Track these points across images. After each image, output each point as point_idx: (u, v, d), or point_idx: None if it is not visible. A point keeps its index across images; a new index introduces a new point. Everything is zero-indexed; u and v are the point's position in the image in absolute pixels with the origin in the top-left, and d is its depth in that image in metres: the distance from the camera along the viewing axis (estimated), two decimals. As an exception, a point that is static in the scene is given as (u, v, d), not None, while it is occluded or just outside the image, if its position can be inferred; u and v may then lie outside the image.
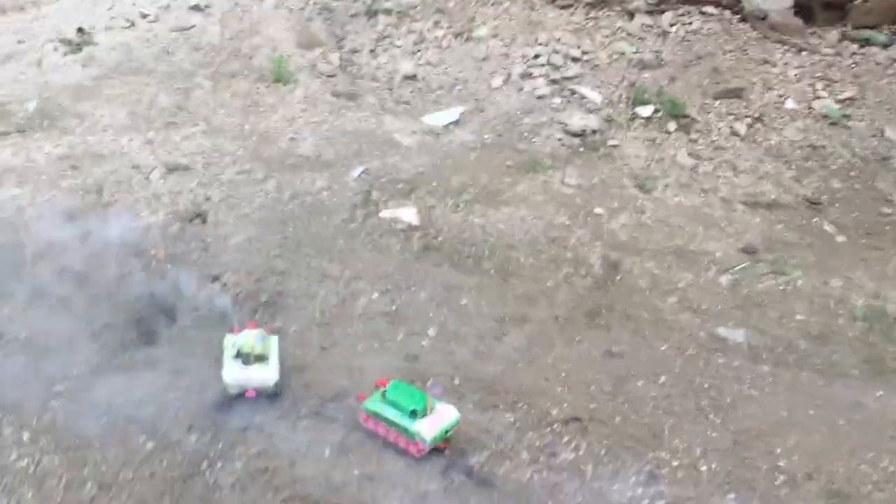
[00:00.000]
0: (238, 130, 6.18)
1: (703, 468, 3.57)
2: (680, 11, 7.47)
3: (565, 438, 3.68)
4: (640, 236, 5.23)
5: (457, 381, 3.92)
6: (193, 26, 7.61)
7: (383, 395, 3.55)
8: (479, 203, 5.45)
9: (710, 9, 7.44)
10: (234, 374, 3.65)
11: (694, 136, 6.37)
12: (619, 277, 4.79)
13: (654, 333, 4.34)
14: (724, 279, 4.85)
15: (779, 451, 3.67)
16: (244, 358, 3.69)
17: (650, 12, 7.51)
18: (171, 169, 5.48)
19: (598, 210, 5.51)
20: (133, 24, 7.65)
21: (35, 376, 3.77)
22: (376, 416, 3.52)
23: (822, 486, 3.49)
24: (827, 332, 4.44)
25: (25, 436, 3.49)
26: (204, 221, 4.93)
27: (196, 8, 7.75)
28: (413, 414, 3.45)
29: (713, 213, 5.60)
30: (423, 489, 3.37)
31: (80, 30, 7.50)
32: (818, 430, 3.77)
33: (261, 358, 3.70)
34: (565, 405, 3.85)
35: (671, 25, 7.32)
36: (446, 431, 3.49)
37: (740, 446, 3.68)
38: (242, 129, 6.22)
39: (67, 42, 7.33)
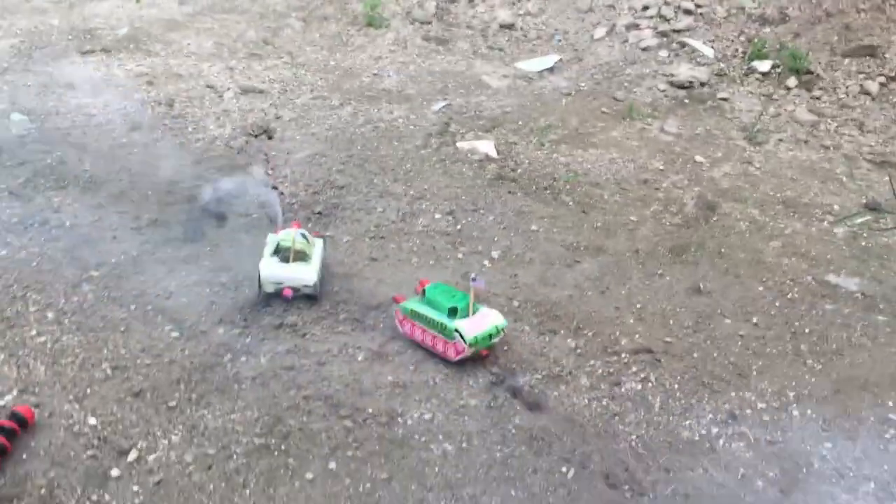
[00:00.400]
0: (321, 65, 5.95)
1: (796, 413, 3.02)
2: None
3: (633, 369, 3.19)
4: (745, 185, 4.67)
5: (516, 303, 3.49)
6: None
7: (422, 294, 3.16)
8: (566, 143, 5.01)
9: (844, -34, 6.74)
10: (271, 270, 3.34)
11: (817, 93, 5.73)
12: (714, 219, 4.25)
13: (750, 274, 3.79)
14: (840, 230, 4.24)
15: (890, 403, 3.07)
16: (283, 254, 3.37)
17: (776, -30, 6.87)
18: (246, 91, 5.28)
19: (698, 158, 4.97)
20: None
21: (70, 262, 3.56)
22: (413, 317, 3.13)
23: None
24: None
25: (49, 314, 3.26)
26: (270, 137, 4.68)
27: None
28: (453, 312, 3.04)
29: (833, 168, 4.97)
30: (460, 403, 2.95)
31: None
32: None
33: (301, 255, 3.38)
34: (637, 336, 3.36)
35: (799, -19, 6.66)
36: (489, 336, 3.06)
37: (843, 395, 3.11)
38: (326, 63, 5.99)
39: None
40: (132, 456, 2.65)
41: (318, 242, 3.51)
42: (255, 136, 4.63)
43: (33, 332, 3.15)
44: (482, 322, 3.05)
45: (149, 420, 2.79)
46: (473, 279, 3.08)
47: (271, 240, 3.47)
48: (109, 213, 3.90)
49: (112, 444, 2.68)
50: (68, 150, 4.38)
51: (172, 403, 2.86)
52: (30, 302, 3.31)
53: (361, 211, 4.03)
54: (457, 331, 3.00)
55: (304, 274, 3.32)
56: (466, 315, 3.05)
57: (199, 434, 2.75)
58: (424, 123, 5.01)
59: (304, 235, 3.43)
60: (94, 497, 2.50)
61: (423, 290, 3.16)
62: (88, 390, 2.89)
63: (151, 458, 2.65)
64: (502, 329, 3.09)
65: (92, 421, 2.76)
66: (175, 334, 3.19)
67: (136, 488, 2.54)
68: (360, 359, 3.11)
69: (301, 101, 5.19)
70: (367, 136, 4.75)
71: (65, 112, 4.79)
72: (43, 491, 2.50)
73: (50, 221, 3.82)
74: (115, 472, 2.59)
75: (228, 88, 5.23)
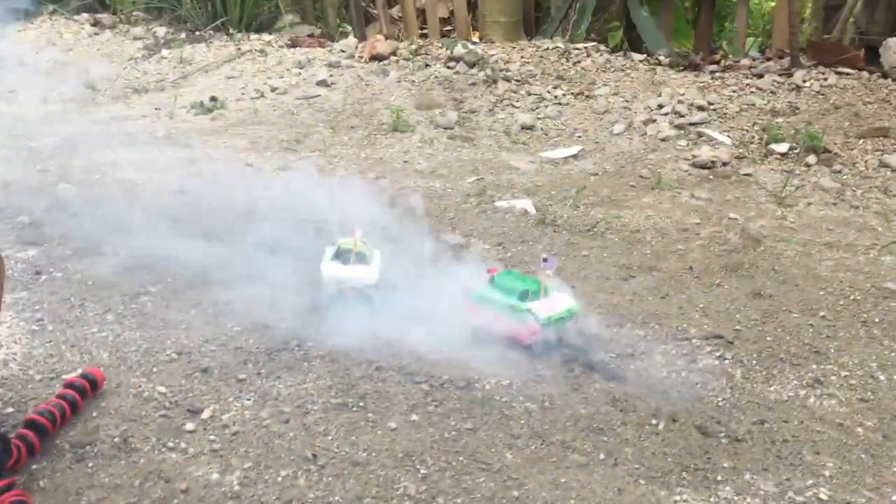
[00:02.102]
0: (353, 157, 6.16)
1: (883, 378, 2.93)
2: (813, 72, 7.23)
3: (706, 349, 3.13)
4: (784, 233, 4.73)
5: (579, 306, 3.44)
6: (318, 96, 7.86)
7: (492, 280, 3.14)
8: (600, 206, 5.11)
9: (845, 69, 7.18)
10: (333, 271, 3.33)
11: (837, 167, 5.92)
12: (761, 248, 4.28)
13: (809, 283, 3.78)
14: (888, 258, 4.26)
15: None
16: (344, 255, 3.38)
17: (781, 74, 7.30)
18: (283, 169, 5.44)
19: (733, 215, 5.06)
20: (262, 95, 7.98)
21: (126, 280, 3.55)
22: (482, 302, 3.09)
23: None
24: None
25: (109, 317, 3.22)
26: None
27: (322, 83, 8.03)
28: (524, 295, 3.01)
29: (866, 221, 5.05)
30: (536, 374, 2.87)
31: (212, 98, 7.87)
32: None
33: (362, 257, 3.39)
34: (705, 326, 3.31)
35: (804, 81, 7.06)
36: (562, 319, 3.01)
37: (928, 365, 3.02)
38: (357, 156, 6.20)
39: (199, 105, 7.68)
40: (206, 414, 2.55)
41: (378, 252, 3.52)
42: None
43: (94, 330, 3.11)
44: (555, 304, 3.02)
45: (219, 390, 2.71)
46: (545, 260, 3.07)
47: (330, 248, 3.48)
48: (162, 247, 3.91)
49: (183, 407, 2.60)
50: (117, 208, 4.45)
51: (242, 376, 2.78)
52: (88, 309, 3.28)
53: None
54: (529, 311, 2.95)
55: (367, 273, 3.31)
56: (538, 297, 3.02)
57: (273, 398, 2.66)
58: (461, 189, 5.13)
59: (364, 241, 3.45)
60: (171, 444, 2.39)
61: (493, 278, 3.13)
62: (154, 369, 2.82)
63: (226, 416, 2.56)
64: (575, 312, 3.05)
65: (161, 389, 2.67)
66: (238, 329, 3.14)
67: (212, 437, 2.43)
68: (430, 341, 3.04)
69: (338, 175, 5.34)
70: (405, 197, 4.85)
71: (111, 182, 4.91)
72: (116, 439, 2.39)
73: (103, 252, 3.83)
74: (189, 426, 2.49)
75: (265, 168, 5.38)
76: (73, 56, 9.58)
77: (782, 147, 6.19)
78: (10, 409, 2.48)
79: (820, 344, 3.17)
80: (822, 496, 2.29)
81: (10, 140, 5.97)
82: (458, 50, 7.98)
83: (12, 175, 4.91)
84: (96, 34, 10.21)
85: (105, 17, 10.81)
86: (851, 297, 3.62)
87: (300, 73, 8.09)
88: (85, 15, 10.69)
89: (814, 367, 2.99)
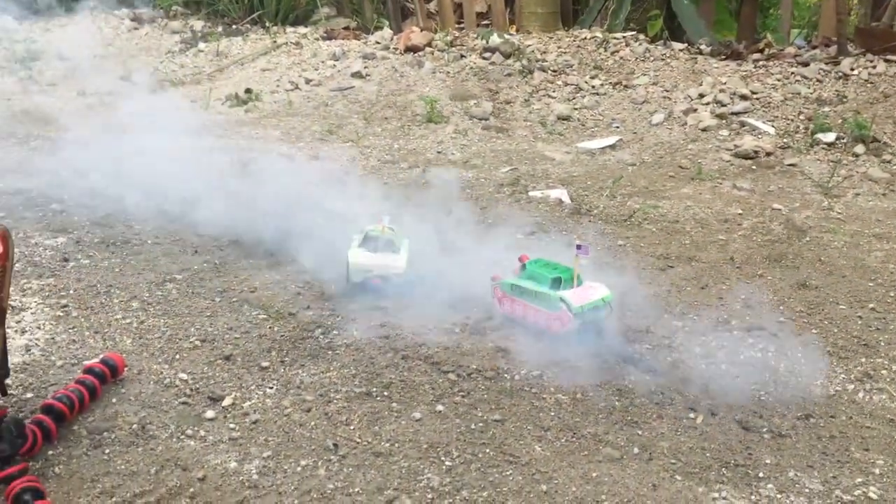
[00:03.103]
0: (386, 147, 6.07)
1: (938, 372, 2.76)
2: (861, 60, 6.98)
3: (748, 341, 2.98)
4: (830, 224, 4.55)
5: (614, 295, 3.32)
6: (353, 87, 7.80)
7: (523, 268, 3.03)
8: (638, 196, 4.97)
9: (895, 57, 6.93)
10: (360, 258, 3.25)
11: (887, 157, 5.70)
12: (806, 239, 4.11)
13: (857, 275, 3.62)
14: (940, 251, 4.06)
15: None
16: (372, 242, 3.29)
17: (827, 62, 7.07)
18: (314, 158, 5.37)
19: (776, 206, 4.88)
20: (297, 87, 7.93)
21: (153, 269, 3.51)
22: (513, 292, 2.98)
23: None
24: None
25: (134, 304, 3.17)
26: (345, 185, 4.70)
27: (357, 75, 7.96)
28: (556, 283, 2.90)
29: (919, 212, 4.84)
30: (568, 364, 2.75)
31: (247, 90, 7.84)
32: None
33: (390, 245, 3.30)
34: (747, 318, 3.17)
35: (852, 69, 6.82)
36: (596, 308, 2.88)
37: None
38: (391, 147, 6.11)
39: (234, 97, 7.66)
40: (226, 402, 2.48)
41: (406, 240, 3.43)
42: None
43: (118, 316, 3.06)
44: (588, 293, 2.90)
45: (241, 377, 2.64)
46: (578, 247, 2.95)
47: (358, 235, 3.39)
48: (189, 235, 3.87)
49: (204, 394, 2.53)
50: (146, 197, 4.40)
51: (265, 364, 2.71)
52: (114, 296, 3.24)
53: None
54: (562, 300, 2.84)
55: (394, 261, 3.22)
56: (571, 286, 2.90)
57: (295, 387, 2.58)
58: (494, 179, 5.03)
59: (392, 229, 3.36)
60: (189, 432, 2.32)
61: (524, 266, 3.02)
62: (177, 356, 2.76)
63: (247, 404, 2.48)
64: (609, 301, 2.93)
65: (183, 376, 2.61)
66: (262, 316, 3.07)
67: (232, 426, 2.36)
68: (457, 331, 2.94)
69: (371, 164, 5.26)
70: (433, 184, 4.75)
71: (140, 171, 4.87)
72: (135, 426, 2.33)
73: (131, 241, 3.80)
74: (209, 414, 2.42)
75: (297, 156, 5.32)
76: (113, 50, 9.63)
77: (829, 136, 5.98)
78: (29, 395, 2.44)
79: (869, 336, 3.01)
80: (871, 495, 2.15)
81: (44, 130, 5.98)
82: (494, 40, 7.86)
83: (45, 165, 4.90)
84: (136, 28, 10.26)
85: (144, 11, 10.87)
86: (902, 289, 3.44)
87: (335, 66, 8.03)
88: (125, 10, 10.75)
89: (863, 360, 2.84)
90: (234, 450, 2.23)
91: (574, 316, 2.79)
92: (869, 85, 6.63)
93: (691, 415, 2.48)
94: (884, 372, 2.76)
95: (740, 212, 4.70)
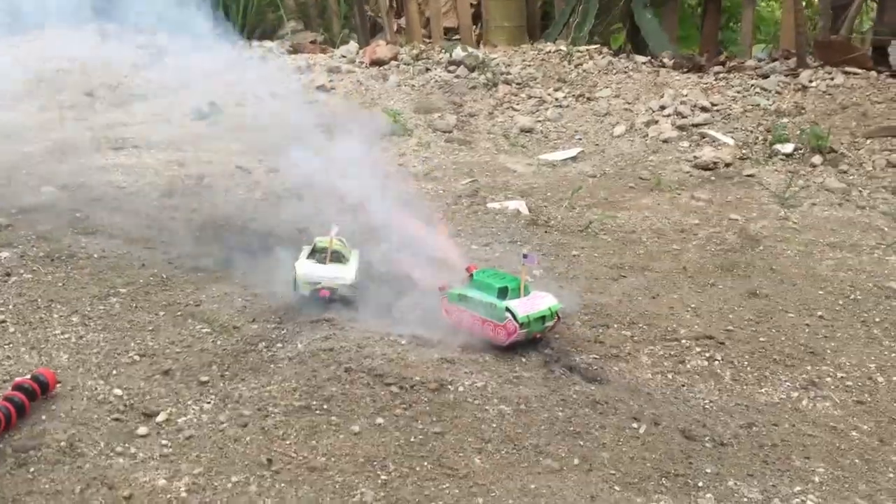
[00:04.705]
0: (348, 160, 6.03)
1: (881, 380, 2.77)
2: (819, 72, 7.06)
3: (696, 350, 2.98)
4: (786, 234, 4.56)
5: (563, 306, 3.30)
6: (317, 101, 7.77)
7: (470, 278, 3.00)
8: (597, 207, 4.97)
9: (853, 69, 7.00)
10: (307, 269, 3.21)
11: (843, 167, 5.75)
12: (759, 248, 4.12)
13: (808, 283, 3.62)
14: (894, 257, 4.08)
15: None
16: (319, 254, 3.25)
17: (786, 74, 7.13)
18: (274, 170, 5.33)
19: (733, 216, 4.90)
20: (261, 100, 7.88)
21: (97, 282, 3.44)
22: (460, 302, 2.95)
23: None
24: None
25: (74, 319, 3.11)
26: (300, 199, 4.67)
27: (322, 88, 7.94)
28: (503, 293, 2.87)
29: (872, 222, 4.87)
30: (513, 375, 2.72)
31: (210, 104, 7.78)
32: None
33: (338, 257, 3.26)
34: (695, 326, 3.16)
35: (810, 81, 6.89)
36: (542, 319, 2.86)
37: (930, 366, 2.86)
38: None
39: (197, 111, 7.60)
40: (160, 418, 2.42)
41: (356, 252, 3.39)
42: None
43: (57, 332, 3.00)
44: (535, 303, 2.87)
45: (178, 392, 2.58)
46: (525, 256, 2.93)
47: (306, 248, 3.36)
48: (138, 249, 3.81)
49: (139, 410, 2.47)
50: (98, 210, 4.34)
51: (204, 379, 2.66)
52: (54, 311, 3.17)
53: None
54: (508, 310, 2.81)
55: (343, 272, 3.18)
56: (518, 296, 2.88)
57: (234, 401, 2.53)
58: (453, 191, 5.01)
59: (341, 240, 3.32)
60: (119, 449, 2.26)
61: (471, 276, 2.99)
62: (114, 371, 2.71)
63: (181, 420, 2.43)
64: (556, 311, 2.91)
65: (118, 392, 2.55)
66: (206, 330, 3.02)
67: (164, 442, 2.31)
68: (403, 342, 2.90)
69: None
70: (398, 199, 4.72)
71: (96, 185, 4.81)
72: (63, 444, 2.27)
73: (77, 255, 3.72)
74: (141, 431, 2.36)
75: (257, 169, 5.28)
76: (77, 65, 9.53)
77: (787, 147, 6.02)
78: (-45, 413, 2.36)
79: (816, 344, 3.01)
80: (809, 503, 2.12)
81: (2, 145, 5.89)
82: (458, 53, 7.86)
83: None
84: (103, 42, 10.15)
85: (111, 26, 10.76)
86: (851, 297, 3.45)
87: (300, 79, 7.98)
88: (91, 24, 10.63)
89: (808, 368, 2.83)
90: (164, 466, 2.18)
91: (520, 326, 2.76)
92: (827, 96, 6.69)
93: (634, 424, 2.46)
94: (828, 379, 2.76)
95: (697, 222, 4.71)
